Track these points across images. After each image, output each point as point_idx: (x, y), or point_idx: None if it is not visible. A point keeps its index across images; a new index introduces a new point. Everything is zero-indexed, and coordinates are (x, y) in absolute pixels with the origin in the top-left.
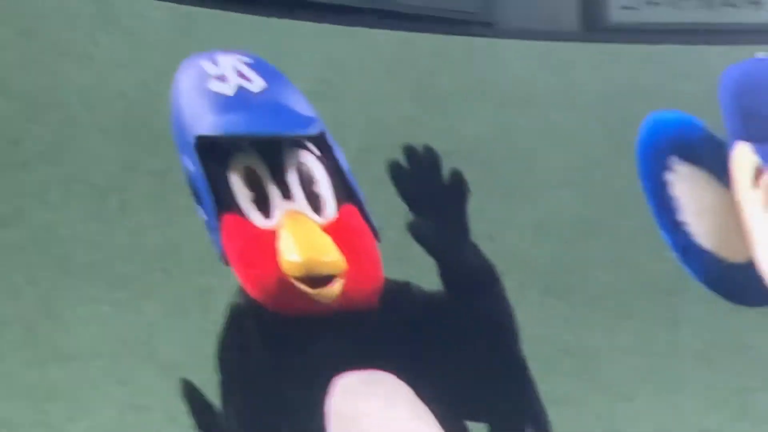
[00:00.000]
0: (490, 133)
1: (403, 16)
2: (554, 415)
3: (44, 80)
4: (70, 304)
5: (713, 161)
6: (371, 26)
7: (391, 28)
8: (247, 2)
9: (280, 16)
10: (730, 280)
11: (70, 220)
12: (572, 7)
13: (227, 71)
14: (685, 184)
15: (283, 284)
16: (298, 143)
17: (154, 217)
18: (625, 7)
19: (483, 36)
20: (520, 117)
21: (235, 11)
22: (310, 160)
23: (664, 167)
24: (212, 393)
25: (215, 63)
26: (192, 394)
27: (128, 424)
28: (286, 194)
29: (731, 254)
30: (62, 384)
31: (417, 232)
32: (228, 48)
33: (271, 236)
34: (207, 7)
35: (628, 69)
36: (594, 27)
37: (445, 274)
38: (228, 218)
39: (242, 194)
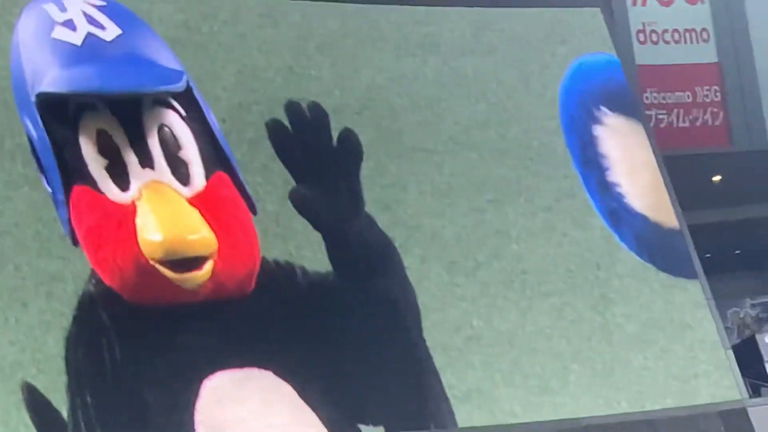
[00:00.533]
0: (386, 85)
1: None
2: (463, 413)
3: None
4: None
5: (636, 104)
6: None
7: None
8: None
9: None
10: (666, 248)
11: None
12: None
13: (75, 16)
14: (616, 140)
15: (143, 268)
16: (161, 101)
17: None
18: None
19: None
20: (421, 64)
21: None
22: (175, 121)
23: (593, 120)
24: (59, 399)
25: (62, 7)
26: (35, 401)
27: None
28: (146, 162)
29: (667, 219)
30: None
31: (302, 204)
32: None
33: (128, 211)
34: None
35: (549, 9)
36: None
37: (334, 251)
38: (77, 191)
39: (94, 162)
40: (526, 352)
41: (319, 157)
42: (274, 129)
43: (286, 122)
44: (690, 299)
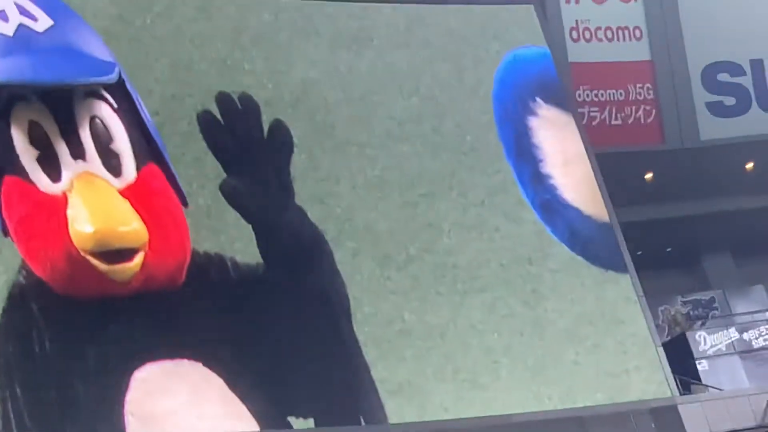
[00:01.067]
0: (320, 78)
1: None
2: (392, 406)
3: None
4: None
5: (569, 101)
6: None
7: None
8: None
9: None
10: (598, 241)
11: None
12: None
13: (7, 7)
14: (550, 131)
15: (73, 259)
16: (93, 92)
17: None
18: None
19: None
20: (355, 58)
21: None
22: (107, 113)
23: (526, 111)
24: None
25: None
26: None
27: None
28: (78, 153)
29: (599, 212)
30: None
31: (232, 194)
32: None
33: (59, 202)
34: None
35: (483, 5)
36: None
37: (265, 244)
38: (8, 181)
39: (26, 153)
40: (458, 347)
41: (249, 148)
42: (204, 120)
43: (218, 114)
44: (621, 294)
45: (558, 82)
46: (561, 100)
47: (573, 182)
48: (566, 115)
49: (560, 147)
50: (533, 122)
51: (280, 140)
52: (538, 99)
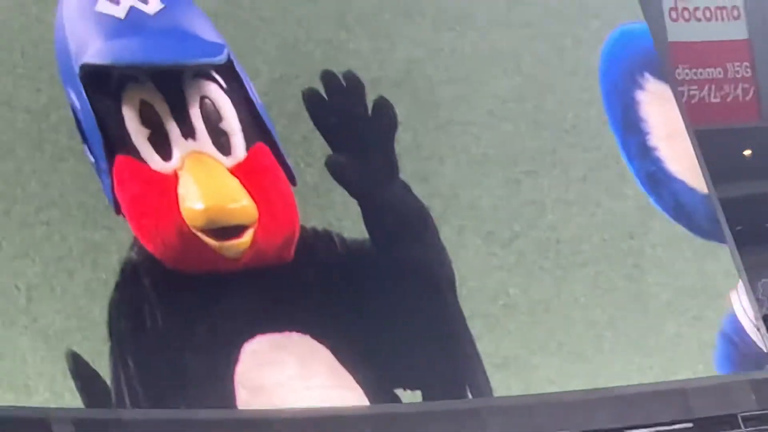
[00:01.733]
0: (423, 57)
1: None
2: (498, 380)
3: None
4: None
5: (670, 74)
6: None
7: None
8: None
9: None
10: (701, 212)
11: None
12: None
13: None
14: (657, 105)
15: (185, 236)
16: (202, 73)
17: (33, 161)
18: None
19: None
20: (458, 38)
21: None
22: (216, 93)
23: (634, 85)
24: (103, 365)
25: None
26: (79, 368)
27: (5, 404)
28: (188, 132)
29: (702, 185)
30: None
31: (338, 172)
32: None
33: (170, 181)
34: None
35: None
36: None
37: (371, 220)
38: (120, 160)
39: (137, 132)
40: (562, 320)
41: (354, 126)
42: (310, 97)
43: (324, 93)
44: (722, 268)
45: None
46: (665, 75)
47: (677, 155)
48: (674, 89)
49: (665, 120)
50: (641, 96)
51: (385, 118)
52: (645, 74)
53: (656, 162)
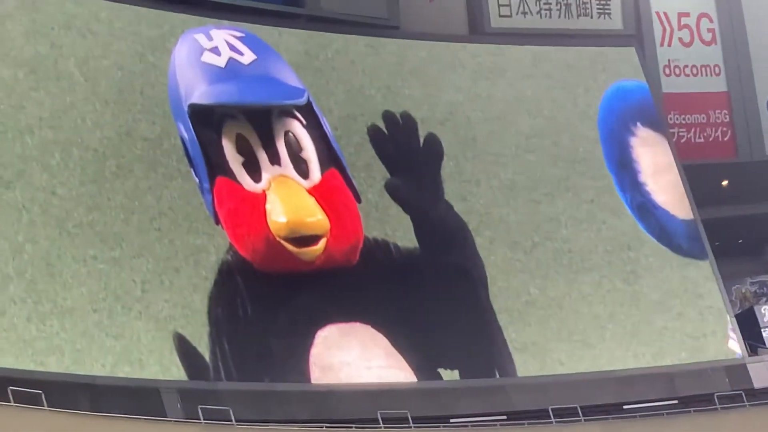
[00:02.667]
0: (463, 101)
1: (327, 20)
2: (520, 361)
3: (46, 50)
4: (68, 261)
5: (662, 123)
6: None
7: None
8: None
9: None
10: (681, 235)
11: (69, 183)
12: (461, 15)
13: (220, 44)
14: (645, 148)
15: (271, 243)
16: (287, 112)
17: (148, 180)
18: (503, 16)
19: (390, 37)
20: (492, 86)
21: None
22: (297, 128)
23: (627, 131)
24: (203, 345)
25: (209, 37)
26: (183, 347)
27: (123, 376)
28: (275, 159)
29: (682, 212)
30: (60, 337)
31: (394, 191)
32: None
33: (260, 198)
34: None
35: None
36: (477, 31)
37: (420, 231)
38: (220, 181)
39: (233, 159)
40: (572, 314)
41: (408, 156)
42: (373, 132)
43: (384, 128)
44: (701, 275)
45: (652, 108)
46: (654, 123)
47: (662, 188)
48: (658, 135)
49: (653, 160)
50: (632, 141)
51: (433, 149)
52: (637, 123)
53: (645, 195)
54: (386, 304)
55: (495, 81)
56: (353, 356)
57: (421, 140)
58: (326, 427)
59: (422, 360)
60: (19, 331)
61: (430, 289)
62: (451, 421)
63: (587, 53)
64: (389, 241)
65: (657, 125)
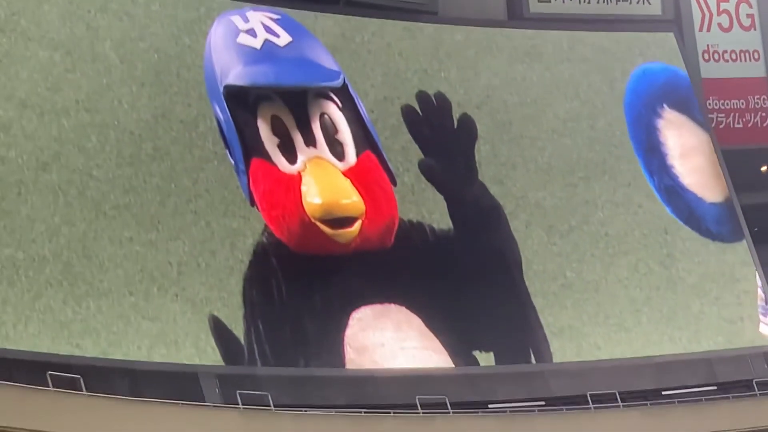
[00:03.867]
0: (499, 84)
1: (365, 5)
2: (556, 345)
3: (83, 33)
4: (104, 244)
5: (695, 108)
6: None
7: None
8: None
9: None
10: (708, 218)
11: (105, 165)
12: (500, 0)
13: (256, 26)
14: (673, 130)
15: (306, 225)
16: (322, 94)
17: (184, 162)
18: (541, 1)
19: (429, 22)
20: (528, 70)
21: None
22: (333, 110)
23: (655, 114)
24: (238, 327)
25: (245, 19)
26: (219, 329)
27: (159, 358)
28: (310, 141)
29: (710, 194)
30: (97, 319)
31: (428, 172)
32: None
33: (295, 180)
34: None
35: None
36: (515, 16)
37: (455, 214)
38: (255, 163)
39: (269, 140)
40: (608, 298)
41: (443, 136)
42: (408, 113)
43: (418, 108)
44: (738, 259)
45: (679, 90)
46: (682, 105)
47: (690, 171)
48: (685, 117)
49: (680, 143)
50: (660, 123)
51: (468, 130)
52: (664, 105)
53: (673, 178)
54: (421, 286)
55: (531, 65)
56: (387, 337)
57: (456, 122)
58: (364, 412)
59: (457, 342)
60: (55, 313)
61: (465, 271)
62: (490, 406)
63: (624, 38)
64: (425, 224)
65: (685, 107)
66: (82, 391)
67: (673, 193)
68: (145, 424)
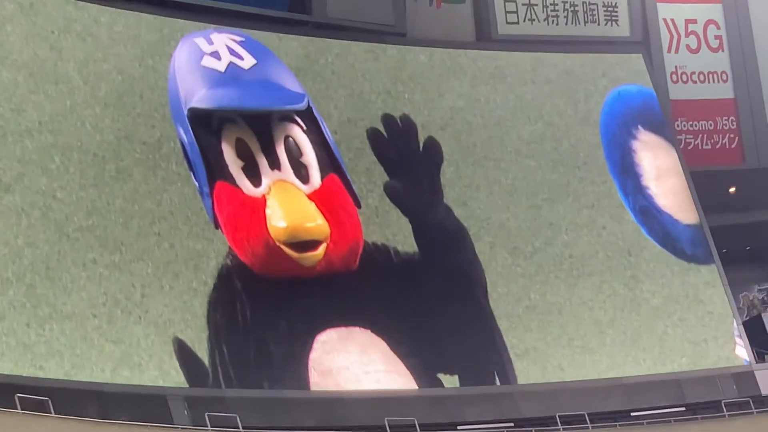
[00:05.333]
0: (463, 106)
1: (333, 27)
2: (521, 366)
3: (46, 54)
4: (68, 266)
5: (669, 130)
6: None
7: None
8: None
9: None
10: (684, 240)
11: (68, 187)
12: (469, 22)
13: (220, 48)
14: (648, 152)
15: (270, 248)
16: (287, 117)
17: (148, 184)
18: (510, 23)
19: (396, 44)
20: (492, 92)
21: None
22: (298, 133)
23: (630, 136)
24: (202, 349)
25: (209, 41)
26: (183, 351)
27: (123, 380)
28: (275, 164)
29: (685, 216)
30: (60, 342)
31: (393, 194)
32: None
33: (259, 203)
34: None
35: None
36: (484, 38)
37: (420, 236)
38: (220, 186)
39: (233, 163)
40: (573, 320)
41: (408, 159)
42: (372, 135)
43: (383, 130)
44: (702, 280)
45: (655, 112)
46: (657, 127)
47: (665, 192)
48: (661, 138)
49: (655, 164)
50: (635, 145)
51: (433, 153)
52: (639, 126)
53: (648, 199)
54: (386, 309)
55: (495, 86)
56: (352, 361)
57: (421, 144)
58: None
59: (422, 365)
60: (18, 335)
61: (430, 294)
62: (459, 428)
63: (588, 59)
64: (389, 246)
65: (660, 129)
66: (51, 413)
67: (648, 214)
68: None
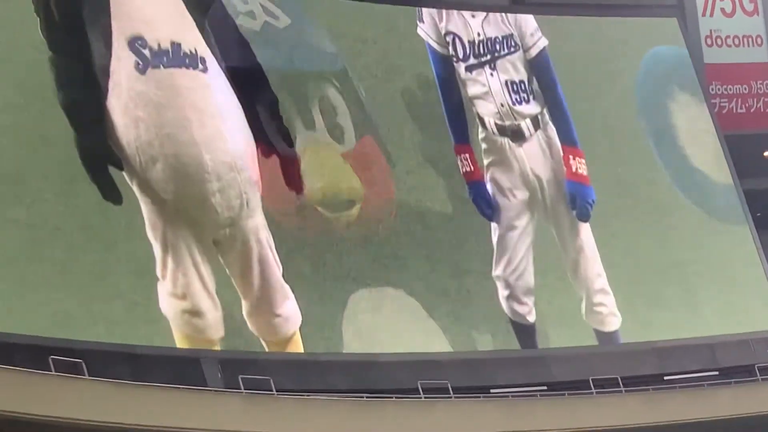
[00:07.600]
0: None
1: None
2: (554, 330)
3: None
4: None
5: (704, 92)
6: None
7: None
8: None
9: None
10: (718, 199)
11: None
12: None
13: (254, 8)
14: (683, 112)
15: (305, 208)
16: (322, 77)
17: None
18: None
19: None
20: None
21: None
22: (333, 94)
23: (666, 97)
24: (237, 308)
25: (244, 0)
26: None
27: (156, 343)
28: (309, 124)
29: (720, 176)
30: (95, 306)
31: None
32: None
33: (295, 163)
34: None
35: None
36: (519, 1)
37: (454, 196)
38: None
39: (269, 123)
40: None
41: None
42: (407, 95)
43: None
44: (736, 242)
45: (690, 73)
46: (691, 88)
47: (699, 152)
48: (694, 99)
49: (690, 125)
50: (670, 105)
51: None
52: (675, 87)
53: (683, 159)
54: (419, 270)
55: None
56: (385, 319)
57: None
58: (366, 396)
59: (454, 323)
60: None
61: (462, 253)
62: (492, 391)
63: (623, 23)
64: (423, 207)
65: (695, 91)
66: (84, 375)
67: (682, 173)
68: (147, 409)
